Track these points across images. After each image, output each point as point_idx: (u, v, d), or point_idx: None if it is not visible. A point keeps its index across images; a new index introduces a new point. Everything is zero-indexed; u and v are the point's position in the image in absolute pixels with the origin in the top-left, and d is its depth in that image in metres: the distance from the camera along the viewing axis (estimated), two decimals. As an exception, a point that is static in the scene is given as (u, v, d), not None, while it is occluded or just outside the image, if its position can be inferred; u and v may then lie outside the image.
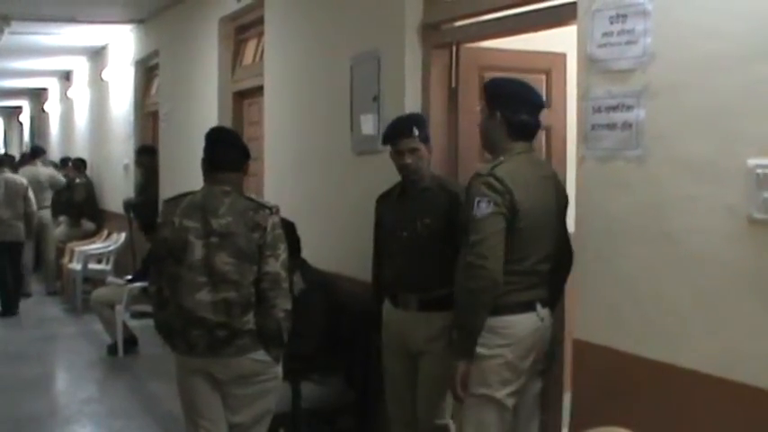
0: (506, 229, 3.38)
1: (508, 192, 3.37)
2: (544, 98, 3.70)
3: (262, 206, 3.85)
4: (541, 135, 4.95)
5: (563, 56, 4.85)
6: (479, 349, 3.43)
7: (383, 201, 4.41)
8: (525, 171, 3.48)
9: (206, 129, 4.19)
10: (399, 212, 4.21)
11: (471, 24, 4.63)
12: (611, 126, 3.35)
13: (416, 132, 4.12)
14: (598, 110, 3.40)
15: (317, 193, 5.99)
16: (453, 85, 4.82)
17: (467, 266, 3.39)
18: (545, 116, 4.97)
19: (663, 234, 3.15)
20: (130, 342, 8.01)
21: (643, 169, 3.23)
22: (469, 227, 3.40)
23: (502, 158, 3.49)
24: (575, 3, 3.59)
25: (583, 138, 3.50)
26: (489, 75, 4.70)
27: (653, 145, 3.19)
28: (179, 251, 3.79)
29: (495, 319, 3.43)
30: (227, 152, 3.97)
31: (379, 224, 4.42)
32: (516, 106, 3.55)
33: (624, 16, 3.31)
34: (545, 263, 3.53)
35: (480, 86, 4.46)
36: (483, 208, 3.36)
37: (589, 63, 3.46)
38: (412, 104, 4.81)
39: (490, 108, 3.61)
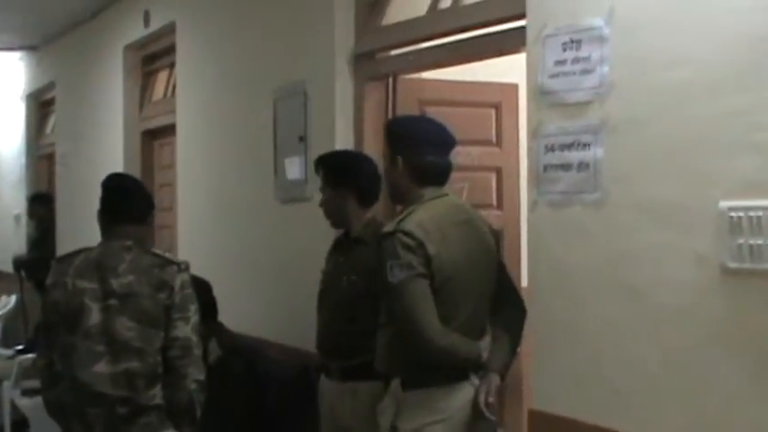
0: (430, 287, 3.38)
1: (420, 245, 3.36)
2: (454, 136, 3.68)
3: (169, 262, 3.81)
4: (491, 177, 5.01)
5: (514, 87, 4.90)
6: (404, 425, 3.42)
7: (330, 251, 4.41)
8: (439, 219, 3.47)
9: (111, 173, 4.16)
10: (328, 266, 4.22)
11: (409, 53, 4.66)
12: (566, 166, 3.37)
13: (320, 172, 4.16)
14: (551, 148, 3.42)
15: (237, 247, 5.95)
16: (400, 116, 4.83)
17: (408, 342, 3.39)
18: (495, 156, 5.08)
19: (626, 288, 3.16)
20: (20, 425, 7.82)
21: (602, 215, 3.24)
22: (390, 296, 3.40)
23: (411, 208, 3.50)
24: (523, 28, 3.62)
25: (534, 180, 3.51)
26: (431, 109, 4.75)
27: (613, 187, 3.21)
28: (72, 317, 3.72)
29: (422, 391, 3.43)
30: (127, 202, 3.93)
31: None
32: (420, 148, 3.56)
33: (579, 42, 3.34)
34: (477, 321, 3.53)
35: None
36: (397, 273, 3.36)
37: (540, 95, 3.48)
38: (343, 144, 4.82)
39: (391, 153, 3.63)
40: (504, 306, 3.63)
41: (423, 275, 3.36)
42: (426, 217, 3.44)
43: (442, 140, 3.63)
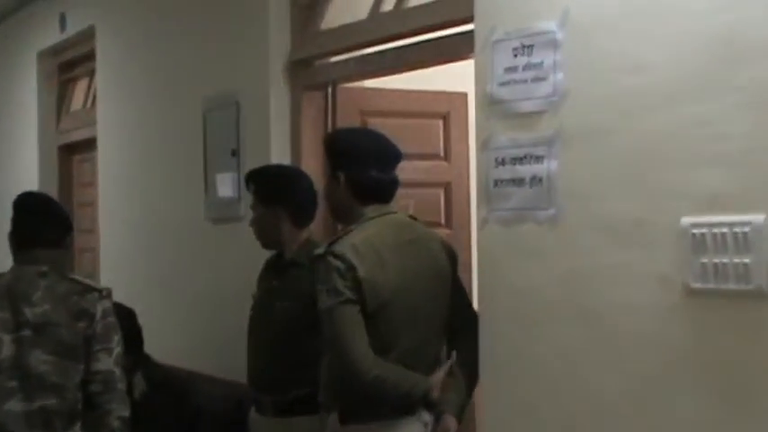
0: (362, 313, 3.38)
1: (350, 269, 3.37)
2: (400, 150, 3.69)
3: (89, 288, 3.78)
4: (438, 193, 5.03)
5: (463, 96, 4.94)
6: None
7: (261, 274, 4.40)
8: (378, 239, 3.47)
9: (24, 191, 4.13)
10: (260, 291, 4.21)
11: (350, 60, 4.68)
12: (518, 181, 3.38)
13: (250, 188, 4.16)
14: (501, 162, 3.43)
15: (164, 271, 5.91)
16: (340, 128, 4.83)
17: (339, 372, 3.39)
18: (443, 170, 5.10)
19: (584, 311, 3.16)
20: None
21: (557, 233, 3.25)
22: (321, 322, 3.41)
23: (350, 228, 3.51)
24: (472, 32, 3.64)
25: (484, 196, 3.51)
26: (374, 120, 4.77)
27: (568, 203, 3.22)
28: (-20, 350, 3.68)
29: (362, 427, 3.42)
30: (42, 223, 3.89)
31: None
32: (362, 163, 3.57)
33: (530, 47, 3.36)
34: (425, 352, 3.53)
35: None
36: (325, 299, 3.37)
37: (489, 105, 3.49)
38: (279, 158, 4.82)
39: (331, 169, 3.64)
40: (461, 336, 3.63)
41: (351, 301, 3.35)
42: (362, 238, 3.44)
43: (386, 154, 3.63)
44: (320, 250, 3.44)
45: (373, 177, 3.57)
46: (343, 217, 3.66)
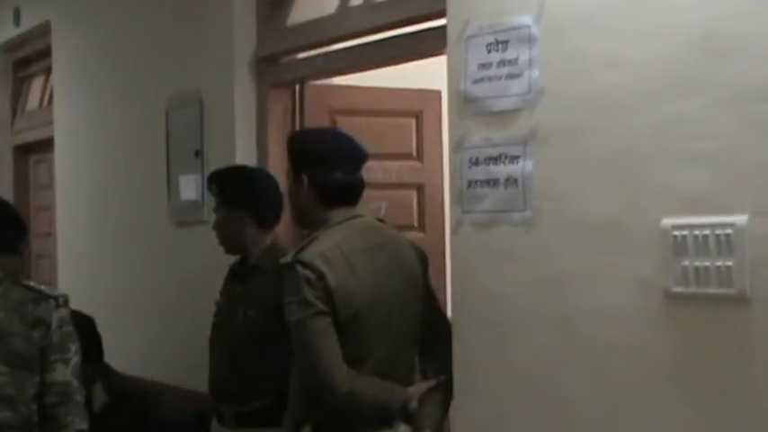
0: (333, 324, 3.36)
1: (320, 278, 3.35)
2: (366, 150, 3.69)
3: (45, 296, 3.74)
4: (411, 195, 5.03)
5: (437, 94, 4.94)
6: None
7: (225, 281, 4.39)
8: (346, 245, 3.46)
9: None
10: (223, 298, 4.20)
11: (318, 56, 4.67)
12: (492, 182, 3.38)
13: (213, 190, 4.15)
14: (475, 162, 3.43)
15: (125, 277, 5.89)
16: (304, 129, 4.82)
17: (311, 386, 3.38)
18: (416, 171, 5.10)
19: (561, 317, 3.17)
20: None
21: (533, 236, 3.25)
22: (291, 335, 3.40)
23: (316, 234, 3.49)
24: (443, 27, 3.64)
25: (458, 198, 3.51)
26: (344, 119, 4.77)
27: (544, 205, 3.22)
28: (-70, 361, 3.65)
29: None
30: (-5, 228, 3.86)
31: None
32: (326, 164, 3.56)
33: (505, 43, 3.36)
34: (400, 361, 3.52)
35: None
36: (294, 311, 3.35)
37: (463, 103, 3.49)
38: (245, 159, 4.81)
39: (294, 171, 3.62)
40: (435, 346, 3.63)
41: (322, 312, 3.34)
42: (330, 244, 3.42)
43: (352, 155, 3.62)
44: (287, 259, 3.41)
45: (338, 179, 3.56)
46: (308, 222, 3.64)
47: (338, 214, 3.54)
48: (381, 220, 3.78)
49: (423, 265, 3.69)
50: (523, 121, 3.28)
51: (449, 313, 3.67)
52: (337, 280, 3.35)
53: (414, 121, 5.08)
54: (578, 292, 3.12)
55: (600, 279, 3.06)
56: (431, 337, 3.65)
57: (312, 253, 3.38)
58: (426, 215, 5.08)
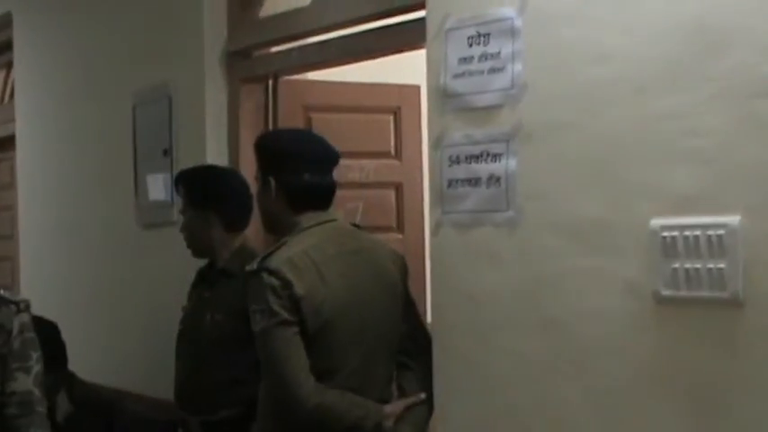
0: (301, 334, 3.34)
1: (286, 286, 3.31)
2: (336, 151, 3.64)
3: (5, 301, 3.71)
4: (389, 195, 5.02)
5: (416, 89, 4.94)
6: None
7: (192, 285, 4.37)
8: (316, 251, 3.42)
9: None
10: (190, 303, 4.19)
11: (292, 50, 4.66)
12: (474, 181, 3.37)
13: (181, 191, 4.14)
14: (456, 160, 3.43)
15: (90, 281, 5.87)
16: (271, 129, 4.81)
17: (277, 400, 3.36)
18: (394, 170, 5.09)
19: (545, 321, 3.16)
20: None
21: (517, 237, 3.25)
22: (256, 345, 3.37)
23: (284, 240, 3.46)
24: (423, 20, 3.63)
25: (438, 197, 3.50)
26: (319, 116, 4.76)
27: (528, 205, 3.22)
28: None
29: None
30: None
31: None
32: (295, 166, 3.53)
33: (486, 36, 3.36)
34: (375, 374, 3.50)
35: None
36: (258, 320, 3.33)
37: (443, 98, 3.48)
38: (215, 158, 4.79)
39: (262, 174, 3.60)
40: (414, 359, 3.61)
41: (288, 322, 3.30)
42: (299, 250, 3.39)
43: (322, 156, 3.58)
44: (252, 266, 3.38)
45: (307, 182, 3.52)
46: (276, 227, 3.60)
47: (308, 219, 3.51)
48: (357, 226, 3.75)
49: (401, 272, 3.66)
50: (506, 118, 3.28)
51: (428, 319, 3.66)
52: (305, 288, 3.32)
53: (392, 117, 5.08)
54: (564, 295, 3.11)
55: (587, 282, 3.05)
56: (409, 350, 3.62)
57: (279, 260, 3.35)
58: (405, 216, 5.07)
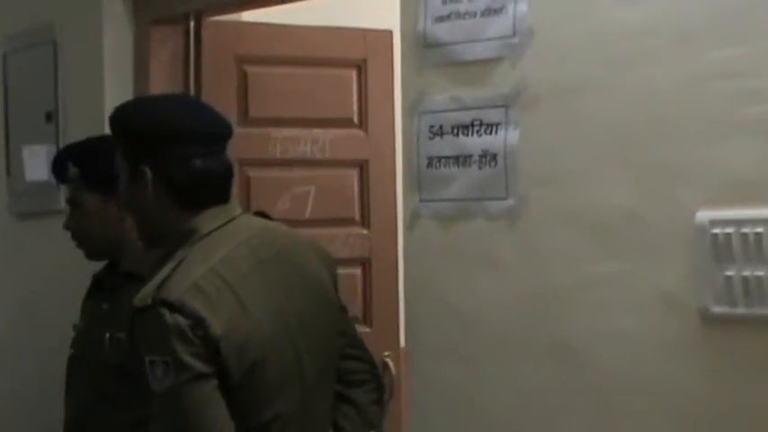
0: (221, 386, 3.18)
1: (198, 324, 3.04)
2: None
3: None
4: (351, 177, 5.03)
5: (387, 35, 4.95)
6: None
7: (86, 297, 4.35)
8: (231, 266, 3.09)
9: None
10: (85, 319, 4.19)
11: (220, -20, 4.67)
12: (463, 159, 3.40)
13: (73, 172, 4.11)
14: (438, 131, 3.45)
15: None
16: (193, 85, 4.83)
17: None
18: (357, 143, 5.11)
19: (554, 344, 3.20)
20: None
21: (518, 233, 3.29)
22: (154, 406, 3.17)
23: (178, 255, 3.24)
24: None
25: (414, 181, 3.53)
26: (256, 69, 4.76)
27: (534, 191, 3.25)
28: None
29: None
30: None
31: None
32: (178, 148, 3.29)
33: (480, -36, 3.38)
34: (314, 410, 3.47)
35: (239, 86, 4.50)
36: (160, 375, 3.07)
37: (421, 49, 3.51)
38: (117, 123, 4.79)
39: (130, 163, 3.28)
40: (354, 389, 3.55)
41: (203, 376, 3.09)
42: (205, 270, 3.08)
43: (215, 131, 3.36)
44: (145, 300, 3.08)
45: (200, 169, 3.29)
46: (161, 237, 3.27)
47: (207, 220, 3.20)
48: (267, 216, 3.55)
49: (330, 273, 3.48)
50: (505, 75, 3.31)
51: (401, 341, 3.68)
52: (223, 324, 3.02)
53: (354, 72, 5.07)
54: (580, 312, 3.15)
55: (610, 294, 3.08)
56: (347, 378, 3.56)
57: (181, 287, 3.05)
58: (372, 204, 5.06)
